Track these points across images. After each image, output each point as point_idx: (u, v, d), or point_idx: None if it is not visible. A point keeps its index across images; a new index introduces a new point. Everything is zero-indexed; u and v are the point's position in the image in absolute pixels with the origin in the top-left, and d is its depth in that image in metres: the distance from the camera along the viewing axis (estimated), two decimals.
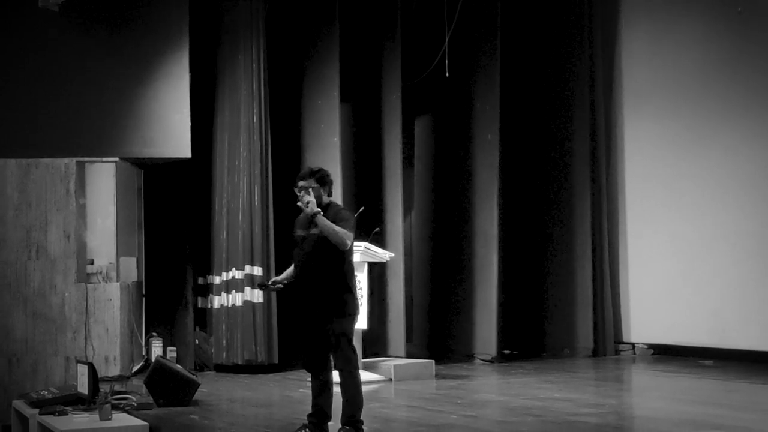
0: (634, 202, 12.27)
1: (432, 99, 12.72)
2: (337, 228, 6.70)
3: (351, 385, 6.79)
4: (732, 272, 11.07)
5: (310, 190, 6.82)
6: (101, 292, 10.22)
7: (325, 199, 6.93)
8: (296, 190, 6.90)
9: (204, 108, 11.03)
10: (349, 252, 6.86)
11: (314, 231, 6.84)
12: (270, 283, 7.42)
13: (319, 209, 6.74)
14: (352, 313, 6.84)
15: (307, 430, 6.89)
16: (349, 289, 6.84)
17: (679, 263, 11.63)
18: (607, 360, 11.81)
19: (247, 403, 9.08)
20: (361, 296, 9.77)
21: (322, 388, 6.90)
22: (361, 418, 6.85)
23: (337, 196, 10.99)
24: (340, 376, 6.81)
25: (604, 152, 12.31)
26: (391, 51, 11.63)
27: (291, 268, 7.14)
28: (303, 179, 6.92)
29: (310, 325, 6.89)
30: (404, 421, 8.02)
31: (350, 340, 6.80)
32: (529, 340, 12.39)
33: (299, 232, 6.98)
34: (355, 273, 7.03)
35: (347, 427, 6.76)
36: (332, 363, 6.87)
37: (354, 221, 6.91)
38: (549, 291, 12.43)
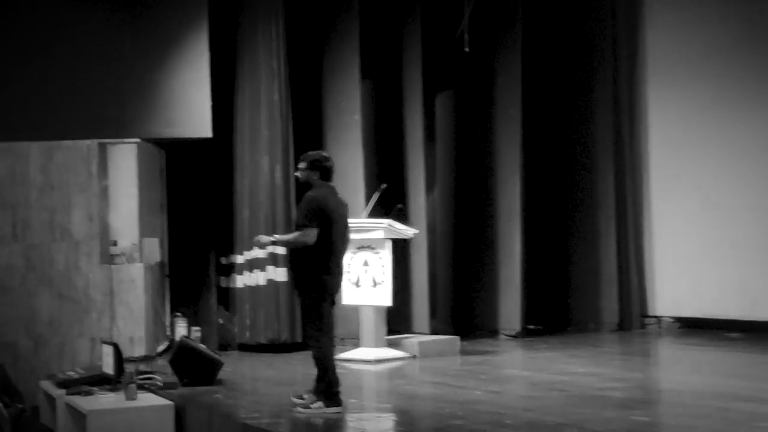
0: (659, 175, 12.17)
1: (453, 75, 12.63)
2: (291, 238, 7.16)
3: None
4: (761, 243, 10.97)
5: (299, 173, 7.29)
6: (125, 273, 10.23)
7: (317, 182, 7.17)
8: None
9: (224, 87, 10.99)
10: (322, 238, 7.01)
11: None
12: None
13: (271, 239, 7.63)
14: (314, 293, 7.04)
15: None
16: (316, 269, 7.01)
17: (705, 235, 11.53)
18: (633, 334, 11.75)
19: (270, 381, 9.09)
20: (383, 273, 9.79)
21: None
22: (305, 396, 7.11)
23: (358, 174, 10.99)
24: None
25: (628, 125, 12.21)
26: (412, 26, 11.55)
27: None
28: (298, 161, 7.35)
29: None
30: (429, 397, 8.01)
31: (313, 319, 7.06)
32: (554, 314, 12.34)
33: None
34: (336, 254, 7.11)
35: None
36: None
37: (308, 210, 7.03)
38: (573, 265, 12.36)
